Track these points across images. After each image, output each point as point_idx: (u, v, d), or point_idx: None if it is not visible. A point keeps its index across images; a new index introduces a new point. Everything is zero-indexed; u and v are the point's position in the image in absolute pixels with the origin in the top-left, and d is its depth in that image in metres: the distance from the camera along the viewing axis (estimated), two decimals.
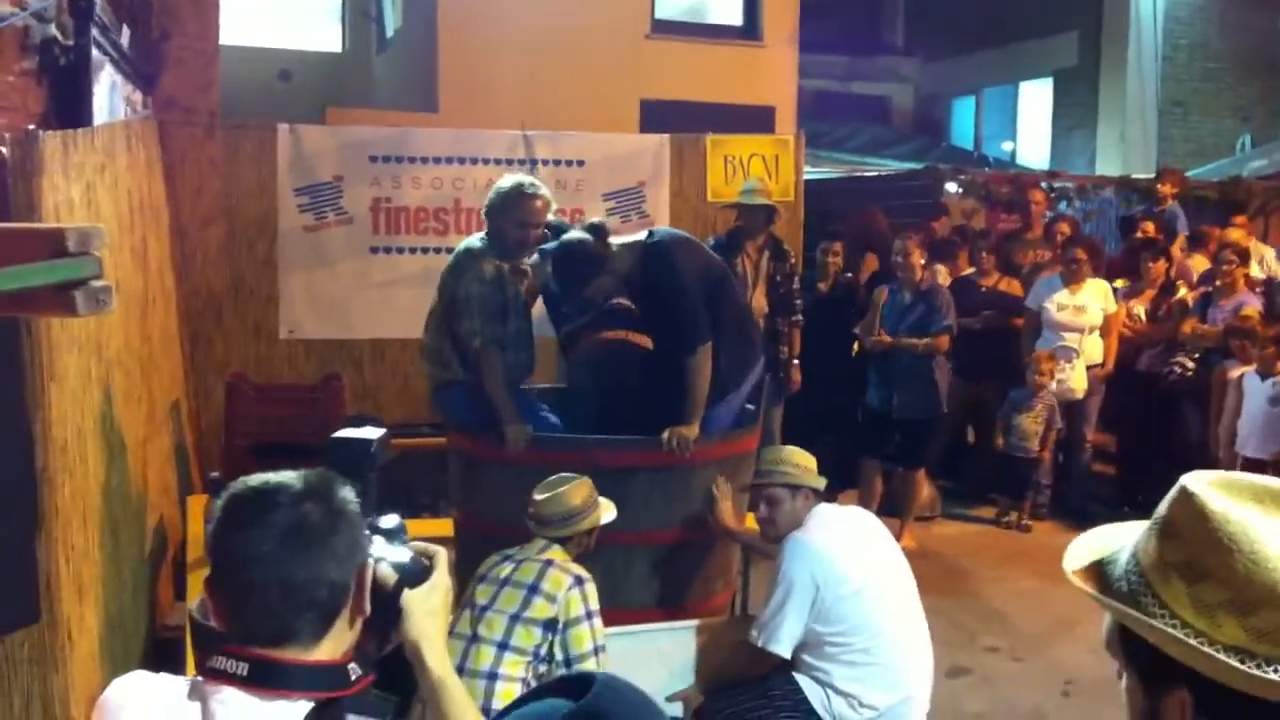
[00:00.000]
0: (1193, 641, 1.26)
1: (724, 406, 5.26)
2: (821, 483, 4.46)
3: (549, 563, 4.03)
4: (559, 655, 3.93)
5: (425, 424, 7.15)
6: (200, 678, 1.70)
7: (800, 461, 4.45)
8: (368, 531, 1.81)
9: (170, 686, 1.73)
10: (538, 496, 4.25)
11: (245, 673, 1.66)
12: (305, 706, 1.65)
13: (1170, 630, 1.28)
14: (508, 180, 5.31)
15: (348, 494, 1.76)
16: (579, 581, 3.99)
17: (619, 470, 4.85)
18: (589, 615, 3.96)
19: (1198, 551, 1.29)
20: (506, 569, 4.05)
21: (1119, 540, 1.43)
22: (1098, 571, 1.41)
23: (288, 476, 1.74)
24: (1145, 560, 1.34)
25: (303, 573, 1.67)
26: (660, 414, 5.10)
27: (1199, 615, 1.27)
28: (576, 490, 4.27)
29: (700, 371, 5.05)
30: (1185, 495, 1.32)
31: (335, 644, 1.72)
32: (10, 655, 3.19)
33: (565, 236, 5.20)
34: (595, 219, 5.36)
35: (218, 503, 1.76)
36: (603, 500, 4.38)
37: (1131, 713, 1.38)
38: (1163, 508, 1.34)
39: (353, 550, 1.73)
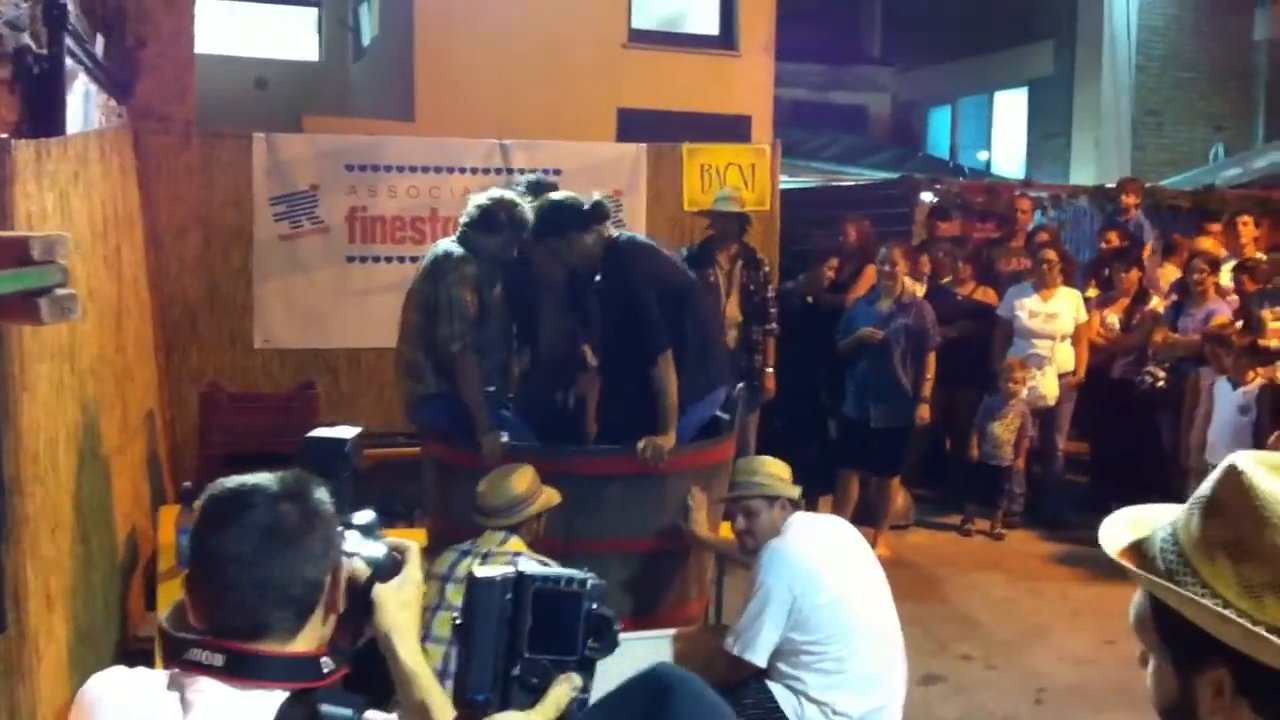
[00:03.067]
0: (1240, 620, 1.26)
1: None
2: (796, 491, 4.48)
3: (517, 554, 4.00)
4: None
5: (401, 433, 7.14)
6: (177, 670, 1.72)
7: (775, 471, 4.46)
8: (342, 527, 1.86)
9: (148, 679, 1.77)
10: (481, 489, 4.27)
11: (221, 663, 1.71)
12: (280, 696, 1.68)
13: (1216, 608, 1.27)
14: (514, 196, 5.35)
15: (323, 495, 1.81)
16: None
17: (594, 479, 4.86)
18: None
19: (1245, 529, 1.28)
20: (474, 566, 4.01)
21: (1151, 521, 1.43)
22: (1136, 551, 1.41)
23: (264, 478, 1.78)
24: (1185, 538, 1.33)
25: (279, 571, 1.72)
26: (619, 422, 5.11)
27: (1243, 595, 1.27)
28: (520, 478, 4.29)
29: (665, 379, 5.05)
30: (1233, 473, 1.31)
31: (310, 638, 1.78)
32: None
33: (562, 194, 5.22)
34: (601, 197, 5.36)
35: (197, 503, 1.79)
36: (546, 488, 4.38)
37: (1160, 694, 1.39)
38: (1206, 486, 1.34)
39: (327, 549, 1.78)
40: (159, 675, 1.77)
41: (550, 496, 4.37)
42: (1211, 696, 1.30)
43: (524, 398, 5.64)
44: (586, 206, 5.18)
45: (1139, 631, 1.41)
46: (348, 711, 1.70)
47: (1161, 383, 7.99)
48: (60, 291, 1.92)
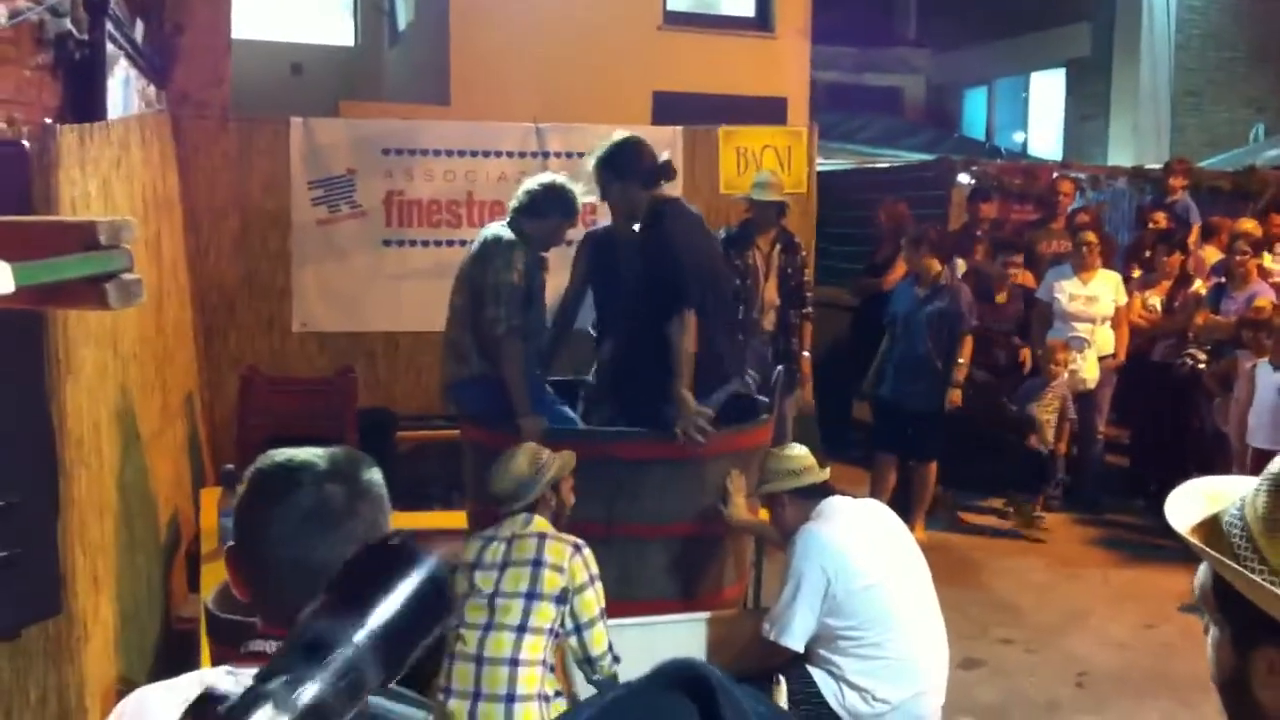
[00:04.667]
0: None
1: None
2: (824, 475, 4.46)
3: (541, 535, 3.98)
4: (569, 624, 3.93)
5: (438, 416, 7.17)
6: (230, 665, 1.69)
7: (790, 466, 4.47)
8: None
9: (193, 680, 1.70)
10: (490, 479, 4.20)
11: None
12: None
13: (1269, 586, 1.26)
14: (563, 181, 5.34)
15: (373, 475, 1.74)
16: (577, 548, 3.95)
17: (633, 463, 4.86)
18: (591, 580, 3.94)
19: None
20: (499, 550, 3.98)
21: (1227, 494, 1.41)
22: (1209, 525, 1.39)
23: (314, 455, 1.72)
24: (1252, 515, 1.32)
25: (317, 555, 1.66)
26: (642, 377, 5.09)
27: None
28: (520, 459, 4.19)
29: (676, 340, 4.98)
30: None
31: None
32: (26, 647, 3.21)
33: (639, 139, 5.28)
34: (667, 158, 5.39)
35: (246, 473, 1.75)
36: (557, 456, 4.27)
37: (1217, 666, 1.37)
38: (1277, 464, 1.32)
39: (370, 534, 1.70)
40: (208, 674, 1.74)
41: (562, 465, 4.26)
42: (1265, 673, 1.29)
43: (600, 388, 5.59)
44: (659, 159, 5.24)
45: (1202, 603, 1.40)
46: (420, 714, 1.66)
47: (1202, 365, 7.91)
48: (127, 276, 1.92)
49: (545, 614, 3.87)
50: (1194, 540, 1.36)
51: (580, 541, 4.00)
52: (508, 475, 4.18)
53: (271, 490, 1.70)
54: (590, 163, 5.33)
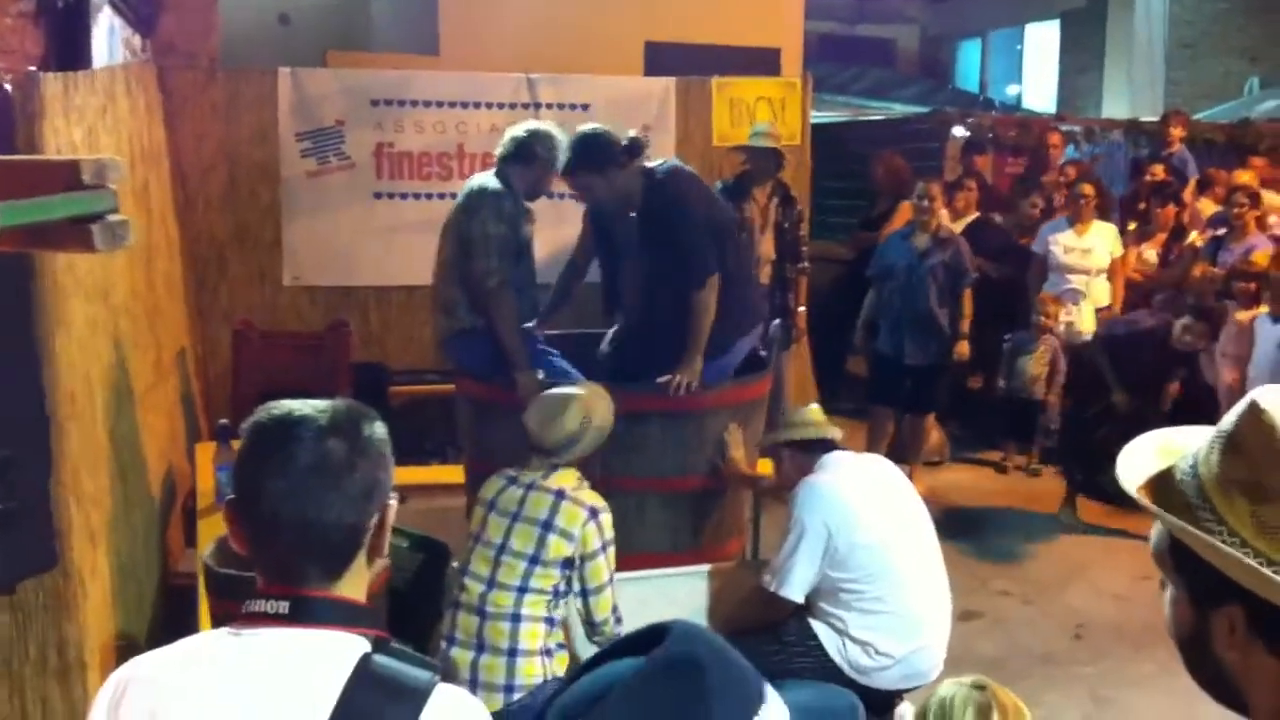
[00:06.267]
0: (1252, 562, 1.21)
1: (713, 366, 5.13)
2: (828, 433, 4.42)
3: (560, 494, 3.90)
4: (575, 587, 3.90)
5: (431, 370, 7.12)
6: (233, 626, 1.65)
7: (803, 413, 4.47)
8: None
9: (194, 644, 1.68)
10: (533, 425, 4.04)
11: (287, 610, 1.62)
12: (350, 642, 1.62)
13: (1228, 549, 1.23)
14: (548, 128, 5.24)
15: (375, 429, 1.70)
16: (594, 514, 3.87)
17: (631, 416, 4.82)
18: (604, 547, 3.88)
19: (1265, 471, 1.24)
20: (515, 497, 3.92)
21: (1180, 448, 1.37)
22: (1159, 482, 1.35)
23: (314, 408, 1.68)
24: (1206, 474, 1.28)
25: (316, 512, 1.63)
26: (661, 351, 5.05)
27: (1260, 535, 1.23)
28: (573, 414, 4.04)
29: (704, 306, 4.97)
30: (1256, 411, 1.25)
31: (353, 584, 1.69)
32: (24, 602, 3.18)
33: (596, 127, 5.15)
34: (636, 135, 5.26)
35: (243, 426, 1.70)
36: (595, 419, 4.14)
37: (1176, 624, 1.35)
38: (1229, 421, 1.28)
39: (371, 490, 1.67)
40: (209, 636, 1.70)
41: (598, 433, 4.13)
42: (1226, 633, 1.27)
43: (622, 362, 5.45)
44: (622, 143, 5.09)
45: (1157, 562, 1.37)
46: (428, 675, 1.62)
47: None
48: (113, 218, 1.86)
49: (548, 578, 3.82)
50: (1147, 502, 1.33)
51: (599, 505, 3.92)
52: (556, 430, 4.01)
53: (270, 445, 1.65)
54: (561, 169, 5.17)
